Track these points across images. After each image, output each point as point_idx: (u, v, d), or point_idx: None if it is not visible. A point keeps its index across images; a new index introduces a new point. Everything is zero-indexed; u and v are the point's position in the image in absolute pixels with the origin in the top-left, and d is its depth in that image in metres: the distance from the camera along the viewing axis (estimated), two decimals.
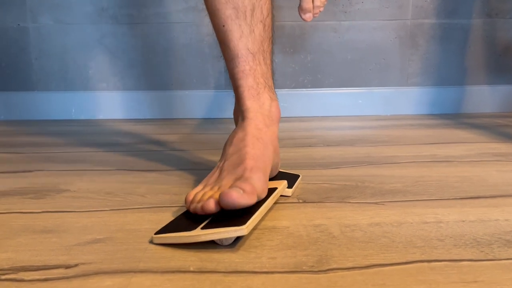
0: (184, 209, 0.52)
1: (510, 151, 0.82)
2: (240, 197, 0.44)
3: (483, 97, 1.34)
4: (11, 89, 1.29)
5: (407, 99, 1.32)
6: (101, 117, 1.30)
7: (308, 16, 0.90)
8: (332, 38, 1.29)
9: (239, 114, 0.59)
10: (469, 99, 1.33)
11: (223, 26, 0.56)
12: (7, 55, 1.27)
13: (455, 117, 1.24)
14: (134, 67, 1.29)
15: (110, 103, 1.29)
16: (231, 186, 0.46)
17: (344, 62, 1.31)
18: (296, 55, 1.29)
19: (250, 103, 0.57)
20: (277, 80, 1.28)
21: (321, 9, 0.92)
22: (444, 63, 1.32)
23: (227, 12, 0.56)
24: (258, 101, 0.58)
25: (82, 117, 1.30)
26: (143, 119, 1.29)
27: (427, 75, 1.32)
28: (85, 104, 1.29)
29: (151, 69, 1.29)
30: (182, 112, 1.31)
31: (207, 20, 0.61)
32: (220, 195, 0.44)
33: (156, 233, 0.45)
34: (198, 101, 1.30)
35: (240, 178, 0.48)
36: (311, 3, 0.89)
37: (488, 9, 1.29)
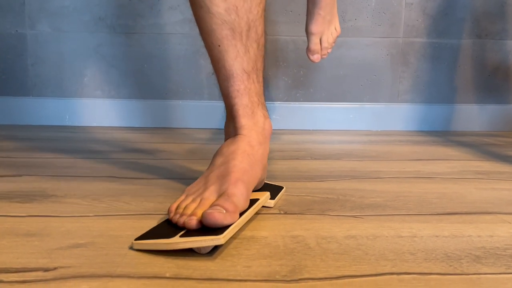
0: (167, 217, 0.53)
1: (492, 170, 0.84)
2: (222, 218, 0.45)
3: (472, 115, 1.36)
4: (6, 94, 1.30)
5: (398, 115, 1.35)
6: (94, 124, 1.31)
7: (316, 57, 0.90)
8: None
9: (232, 130, 0.60)
10: (458, 117, 1.35)
11: (219, 46, 0.57)
12: (4, 60, 1.29)
13: (443, 135, 1.26)
14: (129, 76, 1.31)
15: (104, 111, 1.31)
16: (213, 205, 0.47)
17: (336, 77, 1.33)
18: (289, 69, 1.31)
19: (245, 121, 0.58)
20: (270, 92, 1.30)
21: (329, 50, 0.90)
22: (434, 81, 1.34)
23: (223, 32, 0.56)
24: (253, 119, 0.59)
25: (76, 124, 1.31)
26: (136, 127, 1.30)
27: (418, 93, 1.35)
28: (79, 111, 1.31)
29: (145, 78, 1.31)
30: (175, 122, 1.32)
31: None
32: (203, 215, 0.45)
33: (136, 239, 0.46)
34: (191, 111, 1.32)
35: (223, 194, 0.49)
36: (319, 45, 0.89)
37: (478, 30, 1.32)
